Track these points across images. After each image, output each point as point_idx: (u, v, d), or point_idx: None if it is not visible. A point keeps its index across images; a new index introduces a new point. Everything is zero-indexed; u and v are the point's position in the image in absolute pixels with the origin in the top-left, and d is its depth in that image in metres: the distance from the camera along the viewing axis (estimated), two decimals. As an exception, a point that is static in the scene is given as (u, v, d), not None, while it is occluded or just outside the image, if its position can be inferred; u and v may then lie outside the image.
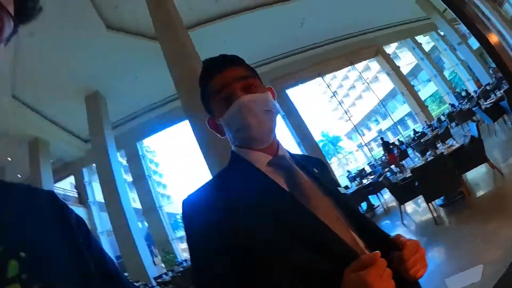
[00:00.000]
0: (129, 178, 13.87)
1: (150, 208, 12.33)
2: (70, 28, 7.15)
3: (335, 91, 21.97)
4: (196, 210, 0.65)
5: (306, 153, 3.86)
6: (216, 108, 0.75)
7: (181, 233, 16.85)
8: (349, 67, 16.27)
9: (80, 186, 13.37)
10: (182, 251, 12.18)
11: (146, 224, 14.77)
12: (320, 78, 15.26)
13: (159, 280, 7.67)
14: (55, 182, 11.62)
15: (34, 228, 0.36)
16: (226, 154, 0.78)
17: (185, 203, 0.67)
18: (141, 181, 12.67)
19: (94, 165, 11.78)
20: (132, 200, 11.11)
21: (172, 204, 26.74)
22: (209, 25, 9.43)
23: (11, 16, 0.37)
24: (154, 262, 11.10)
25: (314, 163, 0.82)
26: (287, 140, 14.03)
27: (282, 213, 0.61)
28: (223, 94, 0.72)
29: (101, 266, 0.44)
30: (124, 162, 16.08)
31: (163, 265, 11.81)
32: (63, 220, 0.42)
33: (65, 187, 14.38)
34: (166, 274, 8.22)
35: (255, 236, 0.57)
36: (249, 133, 0.70)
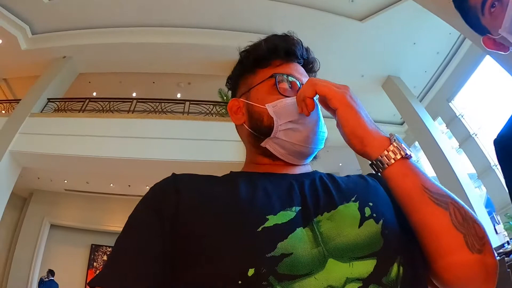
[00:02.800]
0: (455, 144, 12.73)
1: (484, 170, 10.56)
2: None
3: None
4: None
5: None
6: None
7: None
8: None
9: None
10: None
11: (483, 188, 12.53)
12: None
13: (500, 251, 6.20)
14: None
15: (371, 192, 0.56)
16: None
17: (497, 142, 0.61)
18: (468, 142, 11.31)
19: (416, 143, 11.96)
20: (464, 166, 10.07)
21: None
22: None
23: None
24: (495, 230, 9.11)
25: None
26: None
27: None
28: None
29: None
30: (445, 128, 15.02)
31: (505, 232, 9.34)
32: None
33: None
34: (508, 243, 6.58)
35: None
36: None
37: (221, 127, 5.51)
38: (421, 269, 0.48)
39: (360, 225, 0.48)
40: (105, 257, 8.03)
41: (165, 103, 6.21)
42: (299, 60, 0.64)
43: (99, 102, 6.24)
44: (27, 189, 7.80)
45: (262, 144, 0.59)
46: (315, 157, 0.64)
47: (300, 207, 0.50)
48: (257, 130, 0.59)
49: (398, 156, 0.48)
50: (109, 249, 8.03)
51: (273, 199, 0.51)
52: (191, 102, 6.23)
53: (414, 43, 9.89)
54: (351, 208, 0.50)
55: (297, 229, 0.46)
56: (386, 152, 0.48)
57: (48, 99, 6.26)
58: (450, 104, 11.96)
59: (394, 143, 0.48)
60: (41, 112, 6.04)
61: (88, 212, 8.03)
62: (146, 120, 5.69)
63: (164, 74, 7.69)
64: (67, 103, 6.25)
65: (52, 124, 5.65)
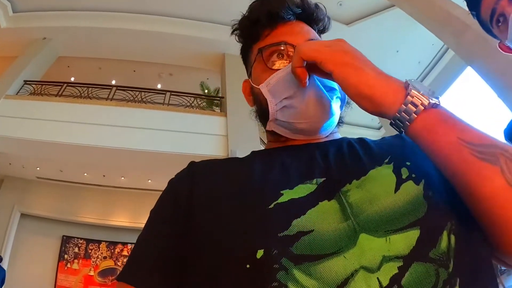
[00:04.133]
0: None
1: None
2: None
3: None
4: None
5: None
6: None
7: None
8: None
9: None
10: None
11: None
12: None
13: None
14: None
15: (408, 150, 0.47)
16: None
17: None
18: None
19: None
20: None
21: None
22: None
23: None
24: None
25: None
26: None
27: None
28: None
29: None
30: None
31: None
32: None
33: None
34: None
35: None
36: None
37: (201, 120, 5.47)
38: (481, 237, 0.38)
39: (397, 189, 0.40)
40: (76, 249, 7.80)
41: (145, 93, 6.10)
42: (291, 17, 0.54)
43: (77, 88, 6.07)
44: (-3, 175, 7.51)
45: (267, 128, 0.55)
46: (339, 123, 0.56)
47: (324, 178, 0.44)
48: (260, 114, 0.55)
49: (420, 108, 0.37)
50: (81, 241, 7.82)
51: (291, 172, 0.46)
52: (172, 93, 6.14)
53: (397, 51, 10.13)
54: (384, 171, 0.43)
55: (319, 203, 0.40)
56: (403, 107, 0.38)
57: (24, 81, 6.04)
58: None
59: (411, 93, 0.38)
60: (16, 94, 5.82)
61: (60, 202, 7.78)
62: (125, 109, 5.57)
63: (146, 63, 7.56)
64: (44, 86, 6.05)
65: (27, 108, 5.45)
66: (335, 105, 0.52)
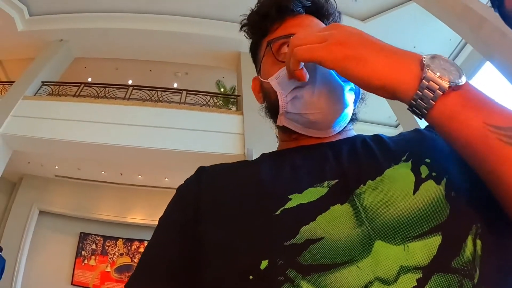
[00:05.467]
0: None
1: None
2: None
3: None
4: None
5: None
6: None
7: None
8: None
9: None
10: None
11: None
12: None
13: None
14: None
15: (428, 146, 0.43)
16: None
17: None
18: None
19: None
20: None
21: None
22: None
23: None
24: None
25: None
26: None
27: None
28: None
29: None
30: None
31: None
32: None
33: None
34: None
35: None
36: None
37: (217, 119, 5.48)
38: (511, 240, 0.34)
39: (416, 190, 0.36)
40: (93, 246, 7.95)
41: (162, 92, 6.13)
42: (300, 10, 0.53)
43: (94, 88, 6.15)
44: (17, 174, 7.68)
45: (278, 123, 0.52)
46: (353, 120, 0.53)
47: (337, 180, 0.40)
48: (270, 109, 0.53)
49: (439, 93, 0.32)
50: (98, 238, 7.95)
51: (300, 175, 0.43)
52: (188, 92, 6.16)
53: (414, 47, 9.94)
54: (401, 170, 0.39)
55: (331, 207, 0.37)
56: (419, 93, 0.33)
57: (42, 82, 6.15)
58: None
59: (427, 75, 0.33)
60: (34, 95, 5.93)
61: (78, 200, 7.92)
62: (142, 108, 5.61)
63: (162, 62, 7.59)
64: (61, 87, 6.15)
65: (45, 108, 5.55)
66: (349, 95, 0.48)
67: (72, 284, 7.40)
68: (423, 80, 0.33)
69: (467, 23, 4.41)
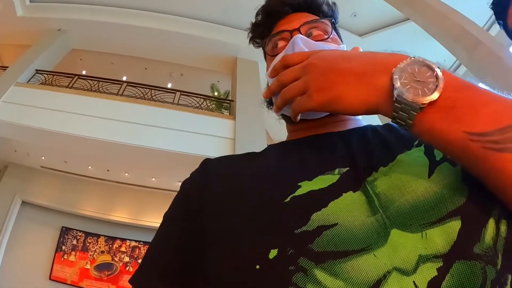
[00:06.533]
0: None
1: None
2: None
3: None
4: None
5: None
6: None
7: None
8: None
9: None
10: None
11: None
12: None
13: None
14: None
15: None
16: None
17: None
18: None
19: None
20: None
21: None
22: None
23: None
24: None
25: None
26: None
27: None
28: None
29: None
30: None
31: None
32: None
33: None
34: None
35: None
36: None
37: (209, 122, 5.46)
38: None
39: (431, 173, 0.34)
40: (74, 241, 7.80)
41: (156, 91, 6.10)
42: (288, 9, 0.56)
43: (88, 81, 6.09)
44: (2, 161, 7.57)
45: (274, 110, 0.52)
46: None
47: (348, 168, 0.39)
48: (269, 100, 0.57)
49: (413, 114, 0.32)
50: (80, 234, 7.81)
51: (310, 162, 0.42)
52: (182, 93, 6.15)
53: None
54: (414, 154, 0.38)
55: (343, 194, 0.35)
56: (395, 115, 0.33)
57: (36, 70, 6.08)
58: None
59: (397, 97, 0.33)
60: (27, 82, 5.85)
61: (62, 193, 7.79)
62: (134, 105, 5.57)
63: (158, 61, 7.58)
64: (55, 77, 6.08)
65: (37, 97, 5.48)
66: None
67: (50, 279, 7.24)
68: (395, 103, 0.33)
69: (463, 44, 4.51)
